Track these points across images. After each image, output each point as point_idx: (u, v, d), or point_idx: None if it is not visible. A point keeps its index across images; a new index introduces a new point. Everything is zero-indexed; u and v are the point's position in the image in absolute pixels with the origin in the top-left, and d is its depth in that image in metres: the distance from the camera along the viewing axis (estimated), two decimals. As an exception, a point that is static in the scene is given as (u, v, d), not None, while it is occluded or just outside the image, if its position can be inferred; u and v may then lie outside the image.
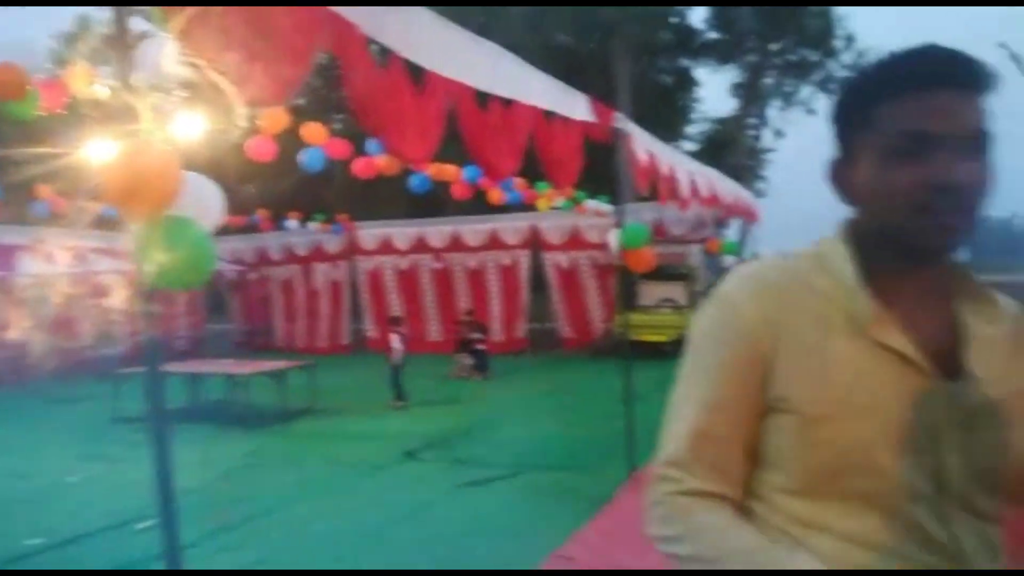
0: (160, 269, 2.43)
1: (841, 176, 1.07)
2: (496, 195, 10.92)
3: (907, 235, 0.98)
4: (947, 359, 1.01)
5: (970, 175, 0.94)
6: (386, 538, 4.97)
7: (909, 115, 0.95)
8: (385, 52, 3.18)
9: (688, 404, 1.08)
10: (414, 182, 9.39)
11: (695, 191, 8.20)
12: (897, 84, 0.96)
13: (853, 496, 0.98)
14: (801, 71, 22.82)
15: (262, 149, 6.95)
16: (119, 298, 14.92)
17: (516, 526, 5.13)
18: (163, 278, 2.48)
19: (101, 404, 9.68)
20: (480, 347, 12.95)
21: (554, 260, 15.58)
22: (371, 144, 7.75)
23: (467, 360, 12.81)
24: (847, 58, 22.66)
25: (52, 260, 13.92)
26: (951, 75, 0.95)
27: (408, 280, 16.77)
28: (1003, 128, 0.99)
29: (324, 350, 17.02)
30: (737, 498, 1.07)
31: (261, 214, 15.78)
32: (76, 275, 14.07)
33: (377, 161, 8.13)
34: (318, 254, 17.69)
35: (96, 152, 7.14)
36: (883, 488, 0.97)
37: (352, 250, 17.28)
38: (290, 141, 7.57)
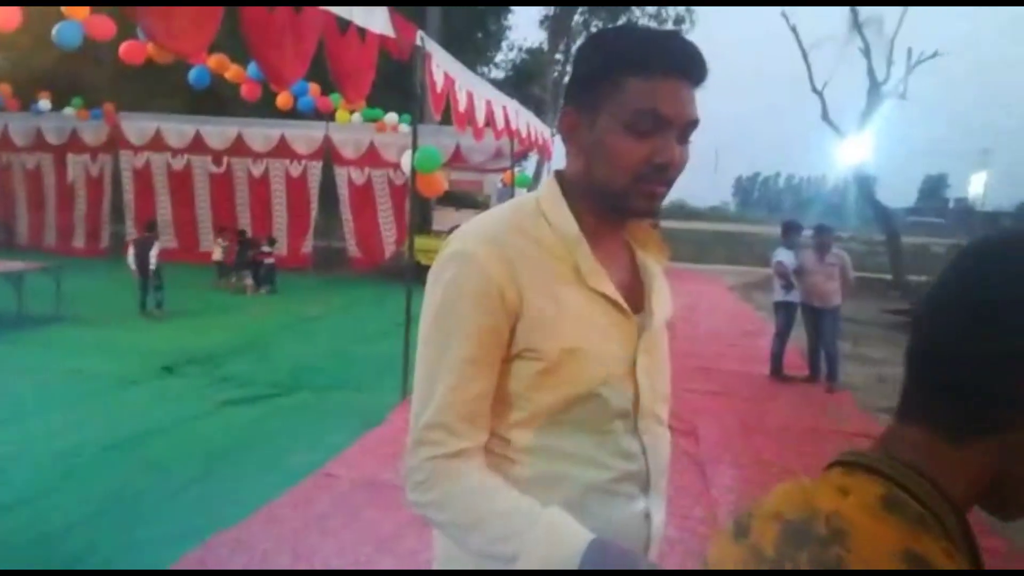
0: None
1: (574, 128, 1.14)
2: (285, 99, 10.22)
3: (625, 199, 1.10)
4: (634, 296, 1.19)
5: (682, 156, 1.10)
6: (135, 453, 4.62)
7: (652, 97, 1.05)
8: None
9: (445, 366, 1.09)
10: (193, 75, 8.50)
11: (491, 120, 8.19)
12: (649, 66, 1.05)
13: (573, 422, 1.12)
14: (609, 13, 23.51)
15: (5, 15, 5.86)
16: None
17: (281, 443, 4.98)
18: None
19: None
20: (267, 260, 12.31)
21: (347, 175, 15.02)
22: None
23: (247, 278, 12.21)
24: (651, 8, 23.68)
25: None
26: (690, 69, 1.07)
27: (181, 182, 15.35)
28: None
29: (79, 252, 15.26)
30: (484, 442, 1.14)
31: (4, 90, 13.52)
32: None
33: (147, 47, 7.22)
34: (74, 144, 15.60)
35: None
36: (598, 413, 1.12)
37: (116, 143, 15.42)
38: (48, 10, 6.49)
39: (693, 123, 1.09)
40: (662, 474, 1.22)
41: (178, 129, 15.17)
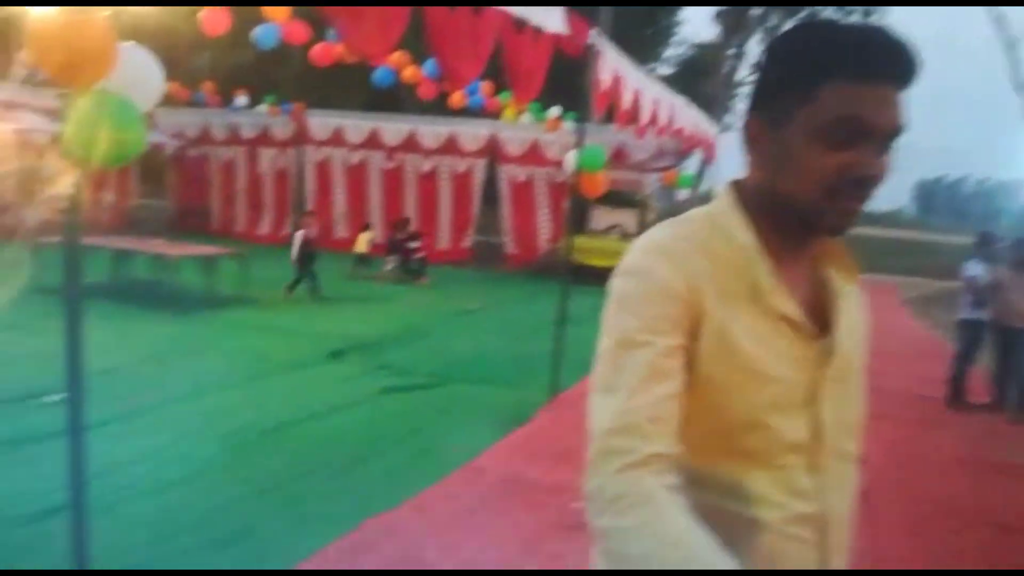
0: (84, 144, 2.29)
1: (759, 136, 1.05)
2: (458, 98, 10.54)
3: (815, 215, 1.00)
4: (819, 318, 1.08)
5: (883, 169, 0.99)
6: (295, 437, 4.89)
7: (852, 103, 0.95)
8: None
9: (628, 372, 0.98)
10: (377, 75, 8.95)
11: (655, 120, 7.99)
12: (848, 69, 0.95)
13: (738, 452, 1.03)
14: (788, 7, 22.27)
15: (215, 20, 6.45)
16: (47, 161, 14.15)
17: (433, 434, 5.12)
18: (86, 153, 2.31)
19: (17, 272, 9.24)
20: (418, 253, 12.69)
21: (510, 173, 15.30)
22: (332, 30, 7.31)
23: (390, 264, 12.68)
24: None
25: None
26: (896, 71, 0.96)
27: (356, 176, 16.29)
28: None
29: (264, 239, 16.59)
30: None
31: (207, 88, 14.94)
32: (3, 131, 13.22)
33: (336, 48, 7.70)
34: (265, 138, 16.99)
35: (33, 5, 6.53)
36: (768, 445, 1.03)
37: (301, 138, 16.63)
38: (250, 13, 7.06)
39: (898, 131, 0.98)
40: (844, 520, 1.10)
41: (357, 126, 16.11)
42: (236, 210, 17.61)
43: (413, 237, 13.06)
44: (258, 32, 7.30)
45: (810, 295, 1.10)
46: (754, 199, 1.07)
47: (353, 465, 4.43)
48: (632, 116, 7.09)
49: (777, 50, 1.05)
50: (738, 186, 1.11)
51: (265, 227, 17.20)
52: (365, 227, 13.61)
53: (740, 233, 1.05)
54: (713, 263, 1.04)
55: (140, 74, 2.64)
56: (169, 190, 18.39)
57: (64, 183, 2.62)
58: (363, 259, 12.57)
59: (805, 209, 1.00)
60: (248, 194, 17.39)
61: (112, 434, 4.58)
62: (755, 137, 1.05)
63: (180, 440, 4.68)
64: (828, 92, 0.95)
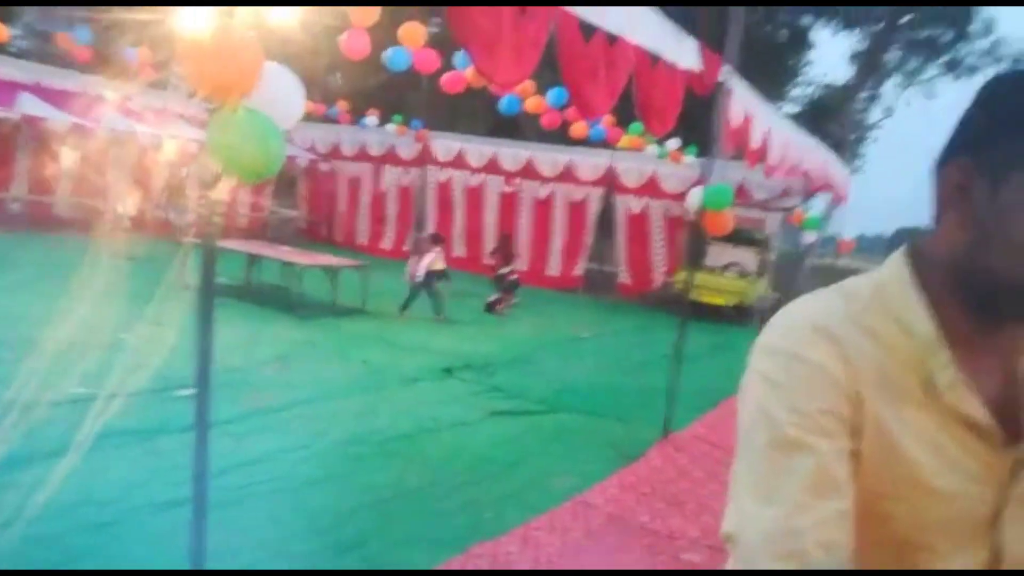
0: (227, 158, 2.40)
1: (963, 190, 0.84)
2: (580, 129, 10.59)
3: None
4: (1010, 422, 0.87)
5: None
6: (408, 451, 4.97)
7: None
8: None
9: (787, 487, 0.82)
10: (504, 103, 9.12)
11: (785, 158, 7.74)
12: None
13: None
14: (929, 50, 21.15)
15: (355, 45, 6.75)
16: (196, 167, 15.21)
17: (542, 463, 5.08)
18: (228, 167, 2.44)
19: (165, 269, 9.91)
20: (511, 277, 11.90)
21: (626, 203, 15.21)
22: (460, 57, 7.50)
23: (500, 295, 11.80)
24: (982, 44, 20.94)
25: (137, 118, 14.20)
26: None
27: (475, 198, 16.62)
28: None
29: (386, 253, 17.15)
30: None
31: (341, 106, 15.69)
32: (158, 137, 14.34)
33: (466, 76, 7.90)
34: (391, 156, 17.63)
35: (187, 24, 7.04)
36: (934, 565, 0.87)
37: (425, 158, 17.16)
38: (386, 35, 7.34)
39: None
40: None
41: (478, 150, 16.49)
42: (360, 223, 18.32)
43: (510, 259, 12.26)
44: (389, 55, 7.56)
45: (1003, 394, 0.89)
46: (940, 268, 0.88)
47: (464, 487, 4.45)
48: (761, 155, 6.88)
49: (1008, 82, 0.85)
50: (917, 251, 0.92)
51: (387, 242, 17.80)
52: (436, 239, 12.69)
53: (917, 320, 0.87)
54: (880, 350, 0.87)
55: (283, 93, 2.75)
56: (299, 201, 19.35)
57: (212, 189, 2.78)
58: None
59: (1014, 287, 0.81)
60: (372, 209, 18.07)
61: (233, 433, 4.81)
62: (959, 189, 0.85)
63: (298, 444, 4.83)
64: None
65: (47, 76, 13.85)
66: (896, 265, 0.92)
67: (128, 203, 14.45)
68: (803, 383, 0.85)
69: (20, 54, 15.29)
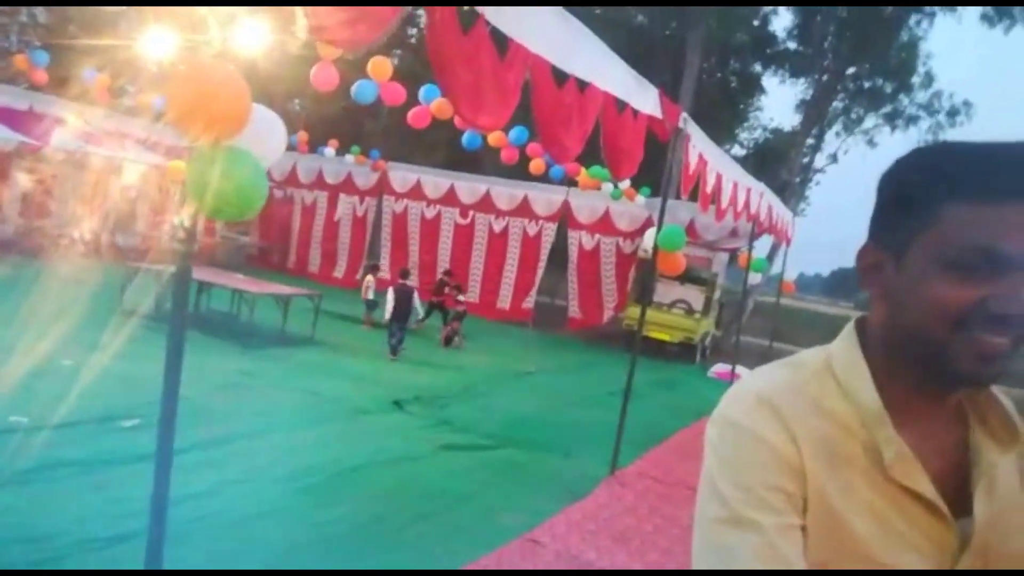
0: (210, 199, 2.41)
1: (877, 268, 0.90)
2: (538, 166, 10.81)
3: (943, 356, 0.83)
4: (956, 493, 0.88)
5: None
6: (357, 484, 4.96)
7: (979, 228, 0.80)
8: (471, 14, 3.07)
9: (743, 560, 0.82)
10: (466, 139, 9.27)
11: (734, 201, 8.03)
12: (981, 188, 0.81)
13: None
14: (872, 100, 22.16)
15: (325, 77, 6.83)
16: (144, 190, 14.97)
17: (490, 498, 5.11)
18: (212, 208, 2.46)
19: (110, 293, 9.73)
20: (459, 307, 11.95)
21: (579, 239, 15.47)
22: (428, 89, 7.65)
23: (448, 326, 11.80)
24: (921, 97, 22.03)
25: (89, 139, 13.94)
26: None
27: (431, 229, 16.69)
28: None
29: (337, 281, 17.05)
30: None
31: (301, 136, 15.71)
32: (108, 158, 14.09)
33: (431, 110, 8.04)
34: (348, 185, 17.63)
35: (152, 48, 7.07)
36: None
37: (382, 188, 17.21)
38: (348, 67, 7.44)
39: None
40: None
41: (435, 182, 16.64)
42: (313, 252, 18.19)
43: (458, 289, 12.43)
44: (357, 88, 7.68)
45: (949, 465, 0.90)
46: (878, 341, 0.91)
47: (414, 521, 4.46)
48: (714, 198, 7.16)
49: (894, 171, 0.90)
50: (862, 326, 0.95)
51: (339, 271, 17.70)
52: (373, 268, 12.91)
53: (863, 393, 0.88)
54: (825, 422, 0.88)
55: (266, 132, 2.83)
56: (251, 227, 19.14)
57: (179, 216, 2.79)
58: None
59: (931, 350, 0.83)
60: (325, 237, 17.98)
61: (179, 464, 4.71)
62: (872, 268, 0.91)
63: (245, 477, 4.78)
64: (950, 216, 0.82)
65: (-4, 93, 13.53)
66: (845, 338, 0.94)
67: (77, 226, 14.12)
68: (747, 457, 0.86)
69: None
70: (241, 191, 2.49)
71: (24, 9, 23.54)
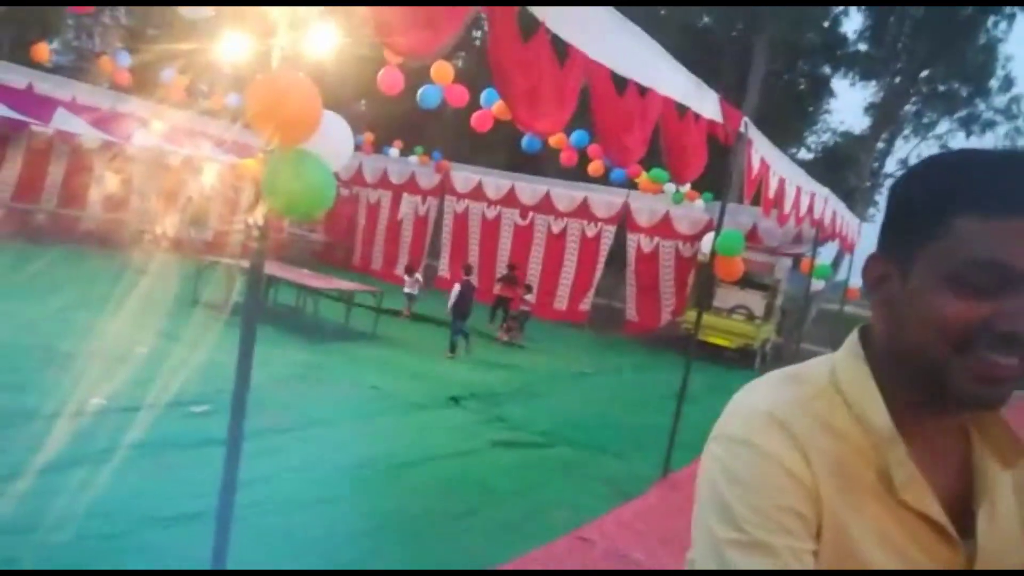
0: (281, 198, 2.55)
1: (882, 281, 0.88)
2: (596, 167, 10.84)
3: (944, 375, 0.80)
4: (961, 513, 0.87)
5: None
6: (412, 477, 5.10)
7: (988, 242, 0.77)
8: (531, 22, 3.15)
9: None
10: (526, 142, 9.37)
11: (796, 206, 7.91)
12: (991, 200, 0.78)
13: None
14: (947, 104, 21.37)
15: (391, 81, 7.05)
16: (218, 187, 15.56)
17: (541, 495, 5.19)
18: (283, 207, 2.60)
19: (185, 286, 10.18)
20: (523, 307, 12.39)
21: (638, 241, 15.41)
22: (489, 93, 7.78)
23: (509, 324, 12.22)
24: (999, 101, 21.14)
25: (166, 138, 14.58)
26: None
27: (491, 230, 16.87)
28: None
29: (398, 279, 17.34)
30: None
31: (367, 137, 16.12)
32: (184, 156, 14.71)
33: (493, 113, 8.18)
34: (411, 185, 17.97)
35: (226, 51, 7.42)
36: None
37: (444, 188, 17.48)
38: (412, 70, 7.64)
39: None
40: None
41: (496, 183, 16.82)
42: (376, 249, 18.60)
43: (528, 288, 12.77)
44: (422, 93, 7.87)
45: (956, 485, 0.89)
46: (882, 354, 0.89)
47: (465, 515, 4.58)
48: (776, 203, 7.08)
49: (905, 179, 0.88)
50: (866, 337, 0.92)
51: (400, 268, 18.03)
52: (408, 270, 13.07)
53: (873, 413, 0.86)
54: (835, 441, 0.85)
55: (335, 136, 2.97)
56: (318, 224, 19.66)
57: (253, 213, 2.95)
58: (411, 297, 12.43)
59: (933, 370, 0.81)
60: (388, 236, 18.36)
61: (244, 450, 4.94)
62: (878, 279, 0.88)
63: (304, 465, 4.98)
64: (957, 228, 0.79)
65: (82, 93, 14.27)
66: (850, 351, 0.91)
67: (155, 220, 14.79)
68: (761, 478, 0.83)
69: (56, 70, 15.78)
70: (310, 192, 2.63)
71: (107, 11, 24.70)
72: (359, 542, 3.96)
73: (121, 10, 25.28)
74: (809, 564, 0.80)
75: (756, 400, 0.90)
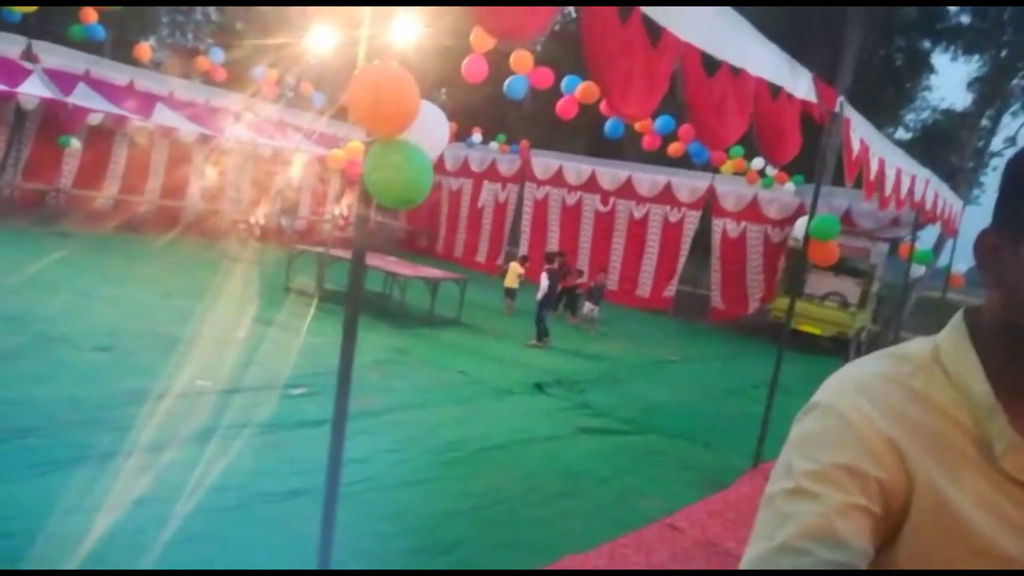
0: (381, 187, 2.62)
1: (994, 253, 0.87)
2: (677, 148, 10.65)
3: None
4: None
5: None
6: (500, 461, 5.16)
7: None
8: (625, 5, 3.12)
9: (790, 526, 0.81)
10: (609, 127, 9.28)
11: (897, 189, 7.55)
12: None
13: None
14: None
15: (475, 70, 7.10)
16: (307, 178, 16.05)
17: (629, 482, 5.17)
18: (382, 195, 2.67)
19: (278, 272, 10.58)
20: (578, 290, 12.57)
21: (723, 226, 15.05)
22: (569, 80, 7.74)
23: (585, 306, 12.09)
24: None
25: (258, 131, 15.12)
26: None
27: (571, 216, 16.80)
28: None
29: (479, 266, 17.54)
30: None
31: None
32: (275, 148, 15.22)
33: (578, 98, 8.14)
34: (491, 173, 18.08)
35: (314, 44, 7.62)
36: None
37: (524, 175, 17.50)
38: (493, 58, 7.68)
39: None
40: None
41: (577, 168, 16.71)
42: (458, 237, 18.83)
43: (575, 273, 12.70)
44: (509, 84, 7.87)
45: None
46: (990, 332, 0.88)
47: (554, 499, 4.61)
48: (878, 185, 6.78)
49: (1017, 156, 0.89)
50: (973, 315, 0.92)
51: (481, 255, 18.22)
52: (523, 258, 12.90)
53: (975, 384, 0.86)
54: (930, 415, 0.86)
55: (432, 126, 3.01)
56: (401, 212, 20.05)
57: (338, 205, 3.04)
58: (511, 293, 12.01)
59: None
60: (469, 223, 18.55)
61: (347, 431, 5.10)
62: (990, 252, 0.88)
63: (398, 447, 5.10)
64: None
65: (179, 88, 14.94)
66: (954, 328, 0.92)
67: (247, 210, 15.40)
68: (828, 435, 0.85)
69: (153, 66, 16.56)
70: (410, 181, 2.68)
71: (199, 8, 25.76)
72: (452, 523, 4.04)
73: (212, 8, 26.31)
74: (857, 520, 0.80)
75: (851, 371, 0.93)
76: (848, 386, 0.89)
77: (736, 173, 13.12)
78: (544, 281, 10.15)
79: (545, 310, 9.96)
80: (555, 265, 10.63)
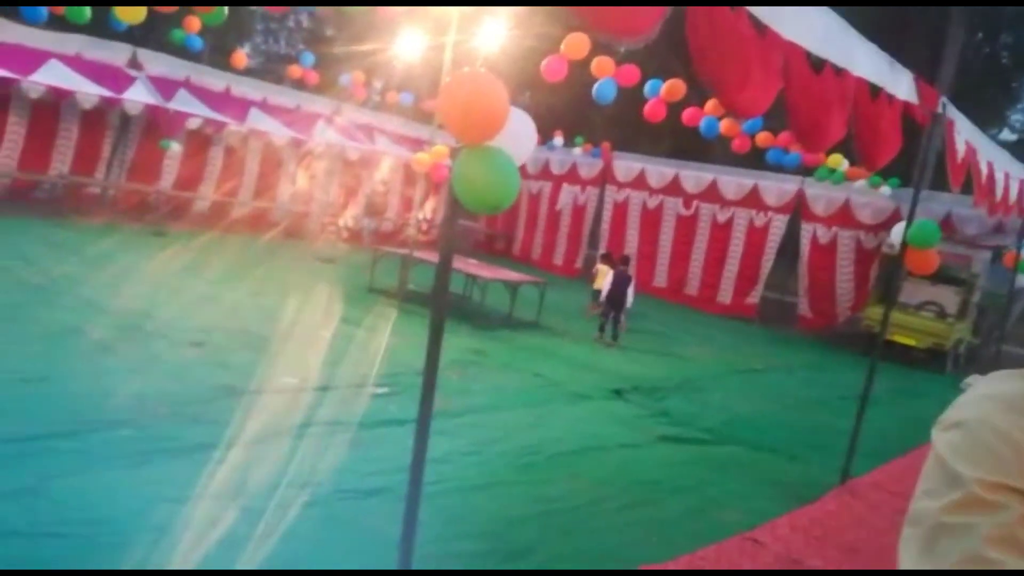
0: (469, 193, 2.65)
1: None
2: (765, 138, 10.37)
3: None
4: None
5: None
6: (576, 466, 5.12)
7: None
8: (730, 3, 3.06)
9: (976, 537, 0.77)
10: (703, 126, 9.11)
11: (1007, 194, 7.12)
12: None
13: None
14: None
15: (555, 70, 7.11)
16: (392, 181, 16.39)
17: (708, 494, 5.05)
18: (470, 201, 2.70)
19: (362, 274, 10.84)
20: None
21: (813, 231, 14.50)
22: (652, 84, 7.64)
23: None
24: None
25: (346, 134, 15.55)
26: None
27: (652, 219, 16.53)
28: None
29: (557, 269, 17.49)
30: None
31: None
32: (362, 151, 15.62)
33: (663, 97, 8.04)
34: (572, 175, 17.98)
35: (402, 51, 7.78)
36: None
37: (604, 178, 17.35)
38: (571, 60, 7.66)
39: None
40: None
41: (659, 171, 16.42)
42: (536, 239, 18.83)
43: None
44: (598, 88, 7.82)
45: None
46: None
47: (630, 507, 4.54)
48: (989, 190, 6.42)
49: None
50: None
51: (559, 258, 18.16)
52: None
53: None
54: None
55: (519, 132, 3.02)
56: (480, 215, 20.25)
57: (427, 207, 3.08)
58: (598, 294, 11.35)
59: None
60: (548, 226, 18.52)
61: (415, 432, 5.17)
62: None
63: (475, 449, 5.13)
64: None
65: (272, 93, 15.50)
66: None
67: (334, 212, 15.86)
68: (985, 444, 0.80)
69: (247, 72, 17.23)
70: (497, 188, 2.70)
71: (291, 15, 26.68)
72: (526, 527, 4.03)
73: (304, 15, 27.20)
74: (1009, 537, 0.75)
75: (989, 390, 0.87)
76: (995, 403, 0.83)
77: (833, 171, 12.54)
78: (607, 279, 10.10)
79: (608, 308, 9.84)
80: (626, 267, 10.47)
